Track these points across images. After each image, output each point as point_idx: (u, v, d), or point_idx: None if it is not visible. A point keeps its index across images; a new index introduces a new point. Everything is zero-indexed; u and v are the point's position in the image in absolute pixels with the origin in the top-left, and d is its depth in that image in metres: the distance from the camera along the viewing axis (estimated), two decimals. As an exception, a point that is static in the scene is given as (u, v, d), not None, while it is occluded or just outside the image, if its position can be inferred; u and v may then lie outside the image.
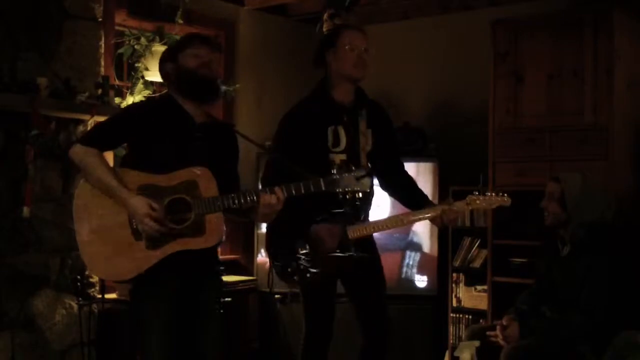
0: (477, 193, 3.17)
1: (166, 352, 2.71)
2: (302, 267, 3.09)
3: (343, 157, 3.14)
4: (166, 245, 2.65)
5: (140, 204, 2.60)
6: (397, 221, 3.23)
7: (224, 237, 2.82)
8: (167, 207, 2.65)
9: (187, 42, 2.82)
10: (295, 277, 3.13)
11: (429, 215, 3.14)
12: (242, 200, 2.66)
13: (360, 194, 2.69)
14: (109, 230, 2.67)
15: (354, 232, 3.12)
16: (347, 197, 2.65)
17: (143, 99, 4.18)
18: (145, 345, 2.72)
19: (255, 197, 2.66)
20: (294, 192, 2.67)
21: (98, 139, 2.76)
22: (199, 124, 2.81)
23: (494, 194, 3.18)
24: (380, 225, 3.20)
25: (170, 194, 2.66)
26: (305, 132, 3.13)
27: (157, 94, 4.37)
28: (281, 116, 3.29)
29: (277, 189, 2.66)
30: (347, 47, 3.16)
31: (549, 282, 3.47)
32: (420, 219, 3.21)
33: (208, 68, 2.77)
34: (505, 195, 3.17)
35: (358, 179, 2.64)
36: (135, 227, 2.65)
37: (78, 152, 2.73)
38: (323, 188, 2.65)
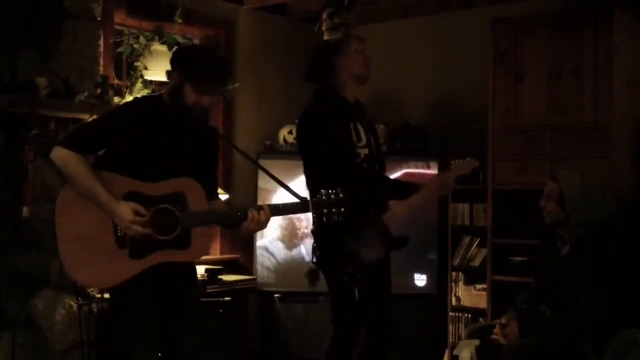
0: (457, 161, 3.42)
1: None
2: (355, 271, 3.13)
3: (366, 151, 3.25)
4: (150, 256, 2.61)
5: (125, 211, 2.55)
6: (417, 200, 3.34)
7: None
8: (153, 216, 2.59)
9: (208, 86, 2.67)
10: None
11: (435, 186, 3.39)
12: (231, 217, 2.66)
13: (341, 218, 2.71)
14: (91, 237, 2.61)
15: (390, 217, 3.24)
16: (332, 220, 2.69)
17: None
18: (127, 354, 2.69)
19: (242, 214, 2.65)
20: (281, 211, 2.72)
21: (81, 143, 2.66)
22: (183, 130, 2.74)
23: (469, 158, 3.46)
24: (408, 205, 3.32)
25: (156, 204, 2.61)
26: (332, 131, 3.19)
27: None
28: (301, 123, 3.31)
29: (265, 207, 2.68)
30: (356, 49, 3.30)
31: (549, 282, 3.46)
32: (430, 191, 3.40)
33: (203, 111, 2.71)
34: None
35: (344, 202, 2.67)
36: (119, 234, 2.60)
37: (60, 156, 2.63)
38: (310, 210, 2.69)
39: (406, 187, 3.44)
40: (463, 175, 3.45)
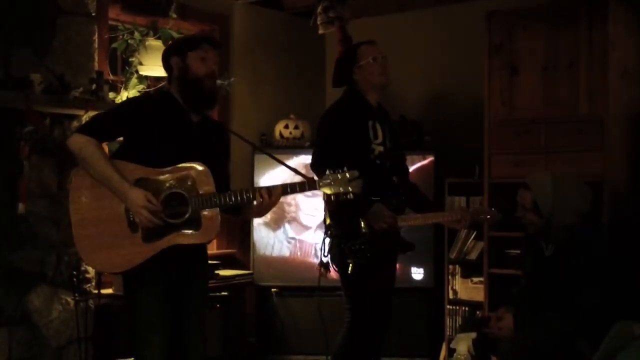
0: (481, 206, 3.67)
1: (162, 346, 2.76)
2: (360, 247, 3.29)
3: (381, 148, 3.44)
4: (162, 239, 2.68)
5: (138, 196, 2.63)
6: (434, 217, 3.55)
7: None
8: (164, 201, 2.68)
9: (198, 43, 2.84)
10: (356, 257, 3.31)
11: (455, 216, 3.49)
12: (239, 198, 2.70)
13: (352, 195, 2.77)
14: (105, 222, 2.70)
15: (402, 220, 3.42)
16: (340, 198, 2.74)
17: (137, 93, 4.18)
18: (141, 335, 2.77)
19: (251, 195, 2.71)
20: (289, 191, 2.76)
21: (97, 130, 2.77)
22: (195, 122, 2.84)
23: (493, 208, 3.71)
24: (425, 218, 3.53)
25: (167, 189, 2.69)
26: (349, 126, 3.38)
27: (152, 89, 4.37)
28: (322, 117, 3.52)
29: (273, 188, 2.74)
30: (370, 60, 3.46)
31: (538, 281, 3.43)
32: (448, 218, 3.54)
33: (213, 78, 2.82)
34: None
35: (350, 180, 2.73)
36: (132, 219, 2.69)
37: (77, 141, 2.74)
38: (318, 189, 2.76)
39: (422, 198, 3.65)
40: (482, 221, 3.65)
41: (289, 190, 2.76)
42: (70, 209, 2.73)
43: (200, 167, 2.72)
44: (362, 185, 2.77)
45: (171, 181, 2.70)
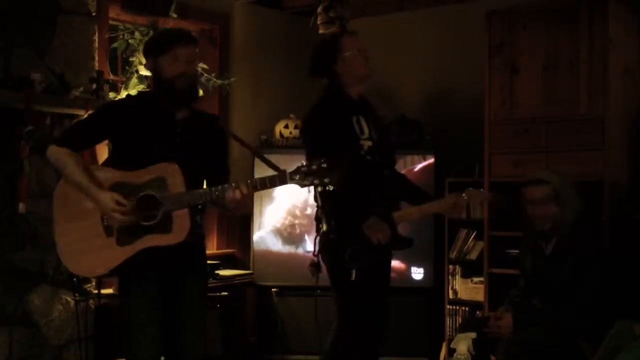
0: (471, 189, 3.43)
1: (152, 346, 2.76)
2: (361, 252, 3.21)
3: (369, 143, 3.32)
4: (136, 242, 2.69)
5: (107, 199, 2.65)
6: (429, 208, 3.47)
7: (204, 232, 2.90)
8: (137, 203, 2.67)
9: (166, 45, 2.78)
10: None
11: (450, 203, 3.41)
12: (208, 197, 2.68)
13: (331, 187, 2.65)
14: (82, 228, 2.74)
15: (400, 217, 3.34)
16: (318, 189, 2.67)
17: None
18: (132, 336, 2.78)
19: (219, 193, 2.67)
20: (259, 187, 2.69)
21: (72, 139, 2.81)
22: (180, 119, 2.81)
23: (482, 189, 3.59)
24: (420, 210, 3.44)
25: (140, 191, 2.69)
26: (334, 124, 3.27)
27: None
28: (305, 119, 3.45)
29: (241, 184, 2.68)
30: (355, 52, 3.33)
31: (537, 280, 3.44)
32: (444, 206, 3.47)
33: (185, 77, 2.77)
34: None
35: (330, 170, 2.61)
36: (105, 224, 2.71)
37: (52, 152, 2.79)
38: (288, 182, 2.65)
39: (417, 191, 3.54)
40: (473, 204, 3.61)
41: (258, 186, 2.68)
42: (53, 217, 2.79)
43: (171, 166, 2.69)
44: (346, 174, 2.65)
45: (145, 183, 2.69)
